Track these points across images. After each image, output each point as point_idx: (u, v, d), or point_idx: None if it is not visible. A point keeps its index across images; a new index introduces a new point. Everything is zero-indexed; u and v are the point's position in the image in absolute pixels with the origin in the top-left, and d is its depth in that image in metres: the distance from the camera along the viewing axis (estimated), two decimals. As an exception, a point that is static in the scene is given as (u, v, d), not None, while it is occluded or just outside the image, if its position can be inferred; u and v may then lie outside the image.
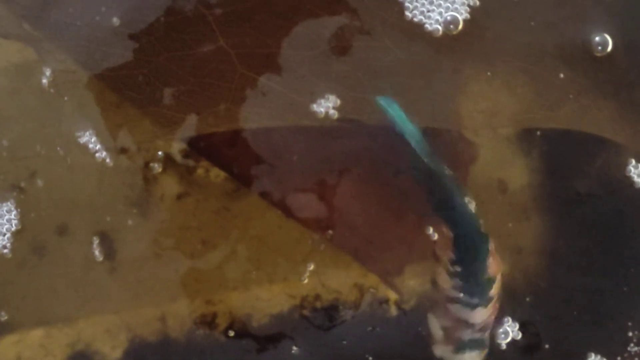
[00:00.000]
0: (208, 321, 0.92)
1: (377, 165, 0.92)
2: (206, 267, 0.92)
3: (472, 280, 0.84)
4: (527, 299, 0.92)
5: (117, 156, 0.92)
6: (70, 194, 0.92)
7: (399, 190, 0.92)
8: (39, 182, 0.92)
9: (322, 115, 0.90)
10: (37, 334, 0.92)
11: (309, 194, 0.91)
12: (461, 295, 0.85)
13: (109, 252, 0.91)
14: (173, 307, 0.92)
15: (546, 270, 0.93)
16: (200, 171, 0.92)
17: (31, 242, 0.91)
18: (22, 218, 0.92)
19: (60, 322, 0.92)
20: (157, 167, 0.91)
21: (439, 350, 0.88)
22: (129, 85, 0.90)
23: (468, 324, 0.85)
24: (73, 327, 0.92)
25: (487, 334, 0.86)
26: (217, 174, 0.92)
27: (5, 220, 0.91)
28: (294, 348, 0.91)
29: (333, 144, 0.91)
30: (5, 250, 0.91)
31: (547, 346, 0.92)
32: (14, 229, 0.91)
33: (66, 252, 0.92)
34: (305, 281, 0.92)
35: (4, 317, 0.91)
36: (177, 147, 0.91)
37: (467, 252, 0.84)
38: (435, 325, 0.87)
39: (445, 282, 0.86)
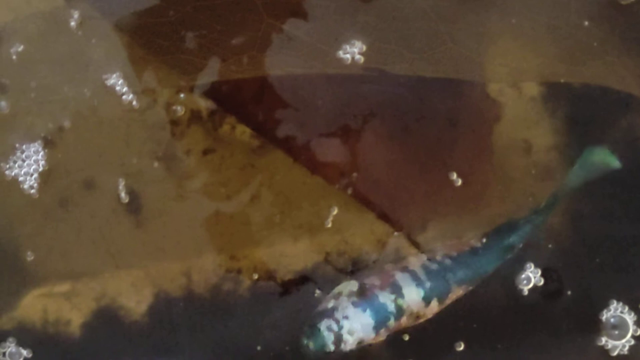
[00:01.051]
0: (233, 277, 0.92)
1: (401, 112, 0.92)
2: (231, 222, 0.92)
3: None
4: (550, 246, 0.92)
5: (143, 99, 0.92)
6: (97, 146, 0.92)
7: (423, 140, 0.92)
8: (67, 125, 0.92)
9: (349, 62, 0.91)
10: (63, 287, 0.92)
11: (333, 143, 0.91)
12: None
13: (135, 206, 0.92)
14: (198, 262, 0.92)
15: (570, 225, 0.92)
16: (226, 127, 0.92)
17: (57, 194, 0.92)
18: (49, 161, 0.92)
19: (86, 276, 0.93)
20: (183, 122, 0.91)
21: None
22: (156, 33, 0.91)
23: (396, 288, 0.84)
24: (99, 282, 0.92)
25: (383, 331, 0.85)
26: (242, 131, 0.92)
27: (32, 161, 0.92)
28: (317, 291, 0.91)
29: (358, 91, 0.91)
30: (33, 191, 0.92)
31: (569, 293, 0.92)
32: (41, 169, 0.92)
33: (92, 206, 0.92)
34: (329, 225, 0.92)
35: (31, 259, 0.92)
36: (203, 104, 0.91)
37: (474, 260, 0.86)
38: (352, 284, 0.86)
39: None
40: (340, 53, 0.91)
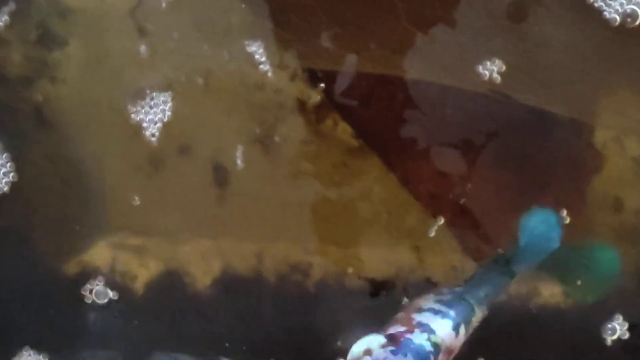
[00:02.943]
0: (303, 269, 0.92)
1: (515, 143, 0.92)
2: (313, 216, 0.92)
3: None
4: (641, 302, 0.92)
5: (279, 72, 0.92)
6: (201, 113, 0.92)
7: (531, 173, 0.92)
8: (198, 82, 0.92)
9: (486, 78, 0.90)
10: (135, 242, 0.93)
11: (437, 160, 0.91)
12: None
13: (223, 181, 0.92)
14: (272, 248, 0.93)
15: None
16: (328, 122, 0.92)
17: (153, 151, 0.92)
18: (174, 114, 0.92)
19: (159, 236, 0.93)
20: (287, 108, 0.91)
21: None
22: (296, 12, 0.91)
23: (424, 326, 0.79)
24: (171, 245, 0.93)
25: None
26: (344, 129, 0.92)
27: (159, 110, 0.91)
28: (405, 299, 0.91)
29: (484, 109, 0.91)
30: (153, 139, 0.92)
31: (653, 352, 0.92)
32: (166, 119, 0.92)
33: (182, 171, 0.92)
34: (433, 234, 0.92)
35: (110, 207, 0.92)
36: (313, 95, 0.91)
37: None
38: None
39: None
40: (480, 68, 0.90)
